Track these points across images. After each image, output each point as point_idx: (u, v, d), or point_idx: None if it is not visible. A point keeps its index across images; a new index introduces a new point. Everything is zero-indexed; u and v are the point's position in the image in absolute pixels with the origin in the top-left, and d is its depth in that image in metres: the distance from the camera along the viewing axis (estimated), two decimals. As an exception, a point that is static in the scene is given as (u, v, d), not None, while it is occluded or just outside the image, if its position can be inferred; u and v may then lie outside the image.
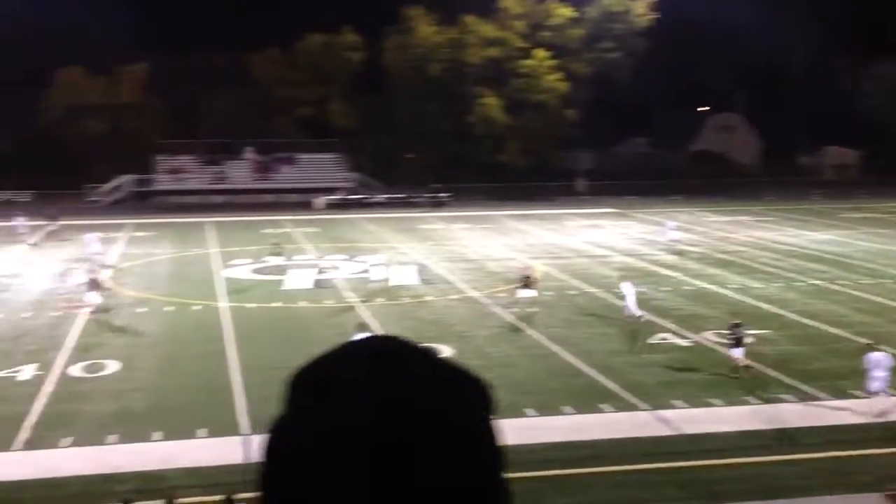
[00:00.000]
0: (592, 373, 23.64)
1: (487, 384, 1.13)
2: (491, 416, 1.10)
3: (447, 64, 79.08)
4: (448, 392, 1.07)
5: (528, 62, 78.56)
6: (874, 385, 20.15)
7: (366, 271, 38.08)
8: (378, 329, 27.97)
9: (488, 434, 1.07)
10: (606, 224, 56.92)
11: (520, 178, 76.44)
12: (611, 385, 22.59)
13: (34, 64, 72.48)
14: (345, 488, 0.98)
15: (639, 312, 28.57)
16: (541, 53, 78.37)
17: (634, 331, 27.24)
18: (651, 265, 40.70)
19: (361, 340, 1.13)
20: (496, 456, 1.07)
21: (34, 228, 50.09)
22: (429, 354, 1.11)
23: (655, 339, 27.06)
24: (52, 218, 48.82)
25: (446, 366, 1.10)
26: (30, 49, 72.98)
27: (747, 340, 23.90)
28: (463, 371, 1.10)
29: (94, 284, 30.87)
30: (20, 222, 49.74)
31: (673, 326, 28.57)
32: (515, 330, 28.14)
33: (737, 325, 23.67)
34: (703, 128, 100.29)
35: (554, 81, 78.08)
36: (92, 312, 30.11)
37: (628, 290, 28.88)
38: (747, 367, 23.17)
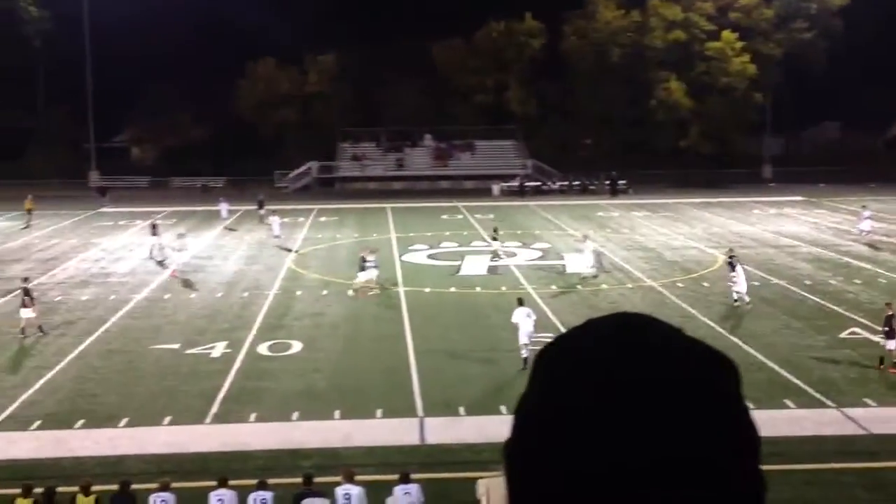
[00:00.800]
0: (775, 367, 22.73)
1: (737, 364, 1.08)
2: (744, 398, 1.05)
3: (629, 48, 77.71)
4: (704, 368, 1.03)
5: (715, 44, 76.14)
6: None
7: (559, 259, 37.99)
8: (552, 316, 27.91)
9: (746, 414, 1.03)
10: (794, 213, 54.52)
11: (702, 165, 74.31)
12: (795, 380, 21.67)
13: (230, 57, 76.30)
14: (602, 467, 0.95)
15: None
16: (728, 35, 75.79)
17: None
18: (843, 256, 38.70)
19: (608, 317, 1.10)
20: (754, 439, 1.02)
21: (232, 213, 53.00)
22: (679, 330, 1.07)
23: (845, 334, 25.75)
24: (261, 204, 51.28)
25: (697, 342, 1.06)
26: (226, 43, 76.85)
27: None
28: (714, 348, 1.06)
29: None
30: (224, 206, 52.61)
31: (865, 321, 27.07)
32: (692, 319, 27.38)
33: (892, 316, 22.39)
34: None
35: (741, 64, 75.34)
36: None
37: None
38: None
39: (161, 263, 38.07)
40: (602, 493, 0.95)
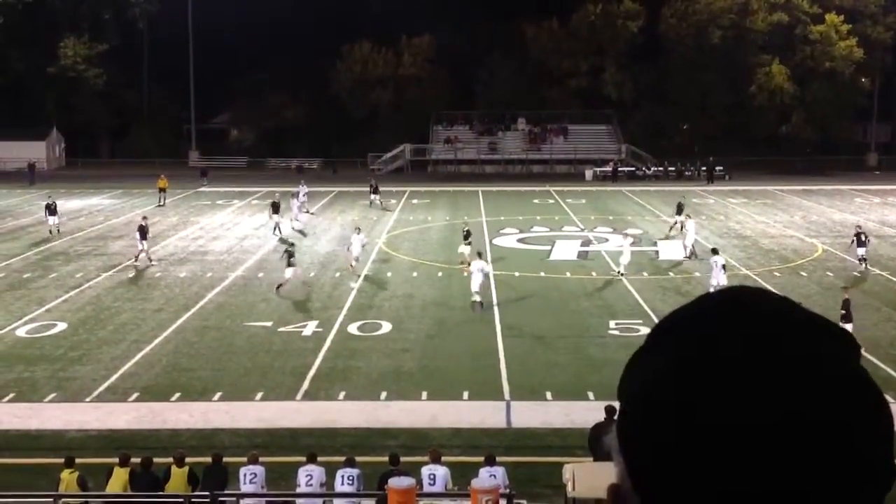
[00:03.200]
0: (876, 360, 22.01)
1: (857, 342, 1.04)
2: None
3: (730, 31, 75.90)
4: (827, 342, 1.00)
5: (819, 28, 73.86)
6: None
7: (653, 245, 37.47)
8: (642, 303, 27.57)
9: (875, 392, 0.99)
10: (900, 202, 52.61)
11: (803, 152, 72.29)
12: (895, 375, 20.97)
13: (326, 39, 77.23)
14: (719, 445, 0.93)
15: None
16: (833, 18, 73.41)
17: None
18: (950, 248, 37.25)
19: (723, 291, 1.08)
20: (885, 419, 0.98)
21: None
22: (796, 303, 1.04)
23: (950, 329, 24.79)
24: (375, 189, 51.40)
25: (815, 315, 1.03)
26: (323, 25, 77.81)
27: None
28: (834, 323, 1.03)
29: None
30: (302, 189, 50.98)
31: (972, 316, 26.03)
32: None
33: (848, 301, 23.14)
34: None
35: (847, 48, 72.91)
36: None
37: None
38: None
39: (283, 241, 38.36)
40: (733, 448, 0.93)
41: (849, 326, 22.39)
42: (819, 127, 75.05)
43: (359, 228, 34.74)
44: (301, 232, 41.89)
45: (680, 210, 40.05)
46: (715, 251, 29.42)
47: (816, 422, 0.93)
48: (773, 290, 1.06)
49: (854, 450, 0.94)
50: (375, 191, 50.85)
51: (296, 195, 46.60)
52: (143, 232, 34.42)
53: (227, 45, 77.35)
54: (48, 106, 77.59)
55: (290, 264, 30.07)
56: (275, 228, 40.88)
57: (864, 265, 32.28)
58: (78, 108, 77.79)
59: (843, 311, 23.13)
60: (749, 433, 0.92)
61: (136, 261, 34.19)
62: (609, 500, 1.06)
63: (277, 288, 29.67)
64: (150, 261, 34.25)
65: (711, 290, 30.19)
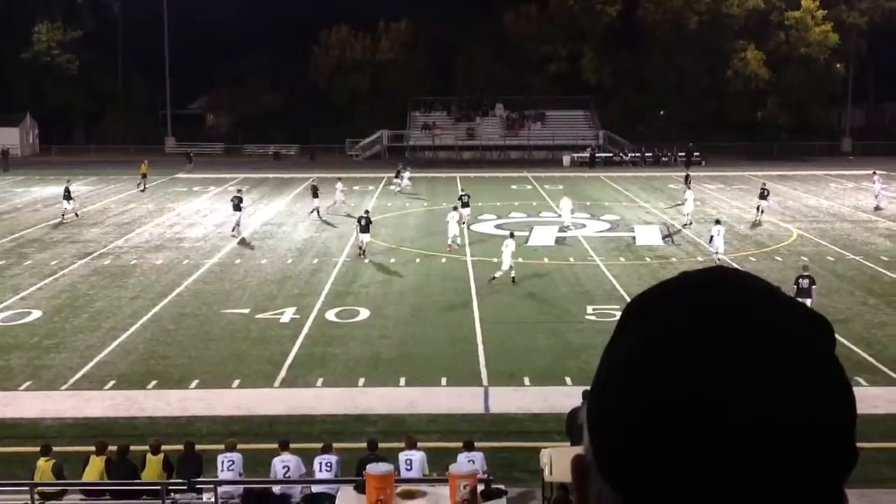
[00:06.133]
0: (849, 344, 22.23)
1: (831, 327, 1.03)
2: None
3: (706, 16, 76.06)
4: (801, 325, 0.98)
5: (795, 13, 74.14)
6: None
7: (629, 231, 37.65)
8: (619, 288, 27.69)
9: (842, 375, 0.98)
10: (874, 187, 52.99)
11: (779, 137, 72.69)
12: (869, 358, 21.20)
13: (304, 24, 76.73)
14: (693, 418, 0.92)
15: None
16: (809, 3, 73.72)
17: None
18: (923, 232, 37.63)
19: (703, 269, 1.06)
20: (849, 403, 0.98)
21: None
22: (773, 286, 1.03)
23: (922, 313, 25.08)
24: (398, 173, 51.84)
25: (791, 298, 1.02)
26: (300, 10, 77.33)
27: None
28: (809, 307, 1.01)
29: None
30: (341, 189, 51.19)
31: (944, 299, 26.33)
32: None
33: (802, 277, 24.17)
34: None
35: (822, 33, 73.27)
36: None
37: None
38: None
39: (327, 223, 40.02)
40: (699, 429, 0.92)
41: (808, 301, 23.04)
42: (794, 112, 75.45)
43: (456, 206, 37.03)
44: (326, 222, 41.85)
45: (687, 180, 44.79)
46: (718, 221, 32.95)
47: (785, 404, 0.92)
48: (752, 273, 1.04)
49: (823, 432, 0.94)
50: (398, 174, 51.53)
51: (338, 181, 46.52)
52: (238, 204, 37.87)
53: (204, 30, 76.72)
54: (21, 92, 76.78)
55: (365, 230, 32.51)
56: (312, 211, 41.96)
57: (759, 215, 40.06)
58: (52, 94, 77.01)
59: (802, 287, 23.90)
60: (716, 414, 0.91)
61: (234, 232, 37.09)
62: (573, 471, 1.05)
63: (362, 253, 32.49)
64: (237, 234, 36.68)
65: (714, 255, 31.39)
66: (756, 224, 40.38)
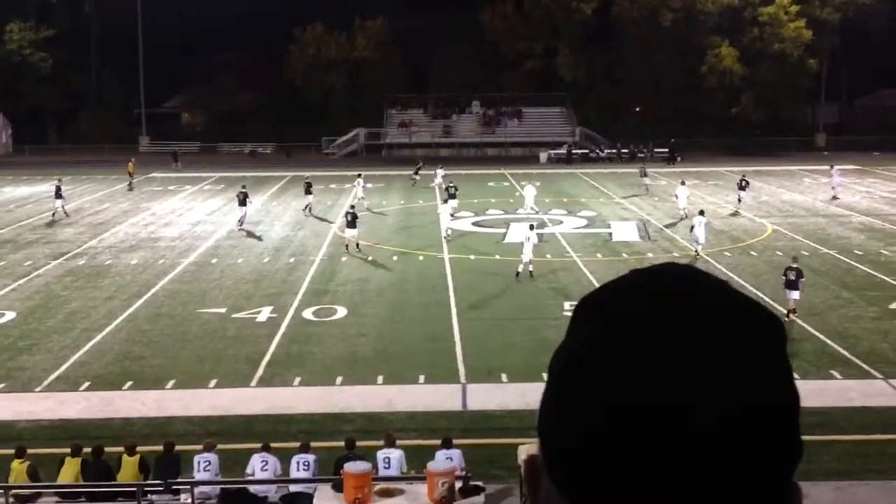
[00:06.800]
0: (823, 337, 22.43)
1: (783, 323, 1.03)
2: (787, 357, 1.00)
3: (680, 13, 76.44)
4: (747, 320, 0.97)
5: (768, 9, 74.62)
6: None
7: (607, 227, 37.73)
8: (596, 284, 27.75)
9: (788, 373, 0.98)
10: (847, 182, 53.47)
11: (753, 133, 73.15)
12: (843, 351, 21.37)
13: (280, 22, 76.46)
14: (638, 420, 0.91)
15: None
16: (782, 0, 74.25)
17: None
18: (895, 226, 37.97)
19: (652, 266, 1.05)
20: (795, 399, 0.97)
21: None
22: (725, 282, 1.02)
23: (895, 305, 25.30)
24: (416, 171, 52.43)
25: (743, 295, 1.01)
26: (276, 8, 77.04)
27: None
28: (760, 303, 1.01)
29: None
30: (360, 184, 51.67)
31: (917, 293, 26.60)
32: (739, 289, 27.00)
33: (790, 269, 24.35)
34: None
35: (796, 30, 73.79)
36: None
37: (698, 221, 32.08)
38: None
39: (322, 219, 40.78)
40: (630, 432, 0.91)
41: (795, 294, 23.97)
42: (768, 108, 75.94)
43: (445, 199, 39.08)
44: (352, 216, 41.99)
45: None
46: (701, 212, 33.23)
47: (733, 402, 0.91)
48: (703, 269, 1.04)
49: (775, 431, 0.94)
50: (416, 172, 52.82)
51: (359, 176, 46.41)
52: (244, 199, 38.85)
53: (179, 29, 76.24)
54: (-6, 91, 76.13)
55: (352, 225, 33.12)
56: (305, 208, 42.52)
57: (739, 205, 42.20)
58: (25, 94, 76.35)
59: (789, 279, 24.23)
60: (661, 415, 0.90)
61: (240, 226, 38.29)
62: (525, 472, 1.04)
63: (357, 246, 33.14)
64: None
65: (695, 246, 32.05)
66: (736, 213, 41.62)
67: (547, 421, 0.99)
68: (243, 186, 41.31)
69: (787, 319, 23.81)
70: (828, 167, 51.93)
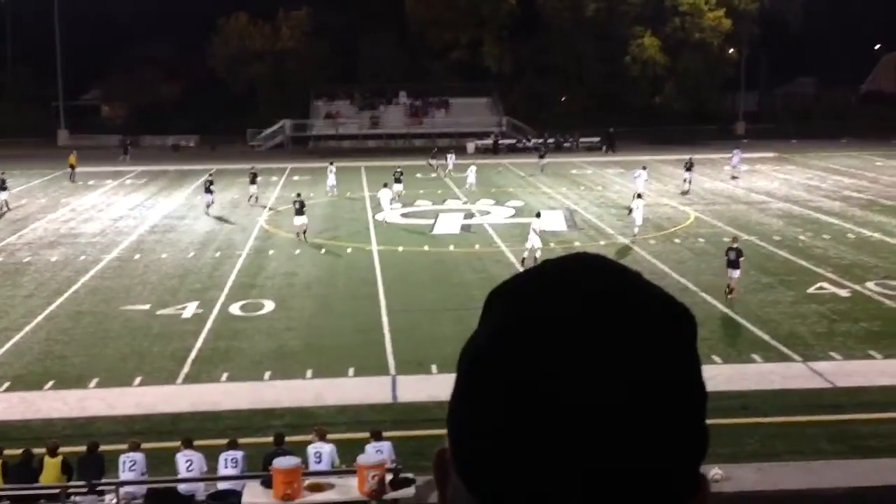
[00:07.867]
0: (744, 322, 22.97)
1: (693, 314, 1.03)
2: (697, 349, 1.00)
3: (603, 4, 77.23)
4: (656, 312, 0.97)
5: (689, -1, 75.87)
6: None
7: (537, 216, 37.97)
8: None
9: (698, 365, 0.98)
10: (766, 169, 54.77)
11: (676, 122, 74.36)
12: (763, 335, 21.91)
13: (202, 12, 75.13)
14: (547, 410, 0.90)
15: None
16: (702, -11, 75.54)
17: None
18: (812, 212, 39.03)
19: (564, 257, 1.04)
20: (702, 389, 0.98)
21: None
22: (637, 273, 1.02)
23: (813, 289, 26.02)
24: (434, 156, 53.95)
25: (655, 287, 1.01)
26: (196, -2, 75.67)
27: None
28: (672, 297, 1.01)
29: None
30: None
31: (832, 276, 27.39)
32: (663, 276, 27.54)
33: (731, 249, 25.50)
34: (875, 67, 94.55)
35: (716, 19, 75.15)
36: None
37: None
38: None
39: (266, 208, 41.69)
40: (533, 428, 0.90)
41: (736, 272, 24.97)
42: (690, 97, 77.25)
43: (387, 183, 40.01)
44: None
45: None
46: (639, 196, 35.83)
47: (650, 396, 0.92)
48: (613, 259, 1.04)
49: (680, 411, 0.94)
50: (433, 157, 54.25)
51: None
52: (209, 186, 40.49)
53: (97, 18, 74.38)
54: None
55: (300, 213, 33.56)
56: (250, 198, 42.72)
57: (687, 185, 45.19)
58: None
59: (730, 258, 25.18)
60: (561, 404, 0.90)
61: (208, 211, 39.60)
62: (434, 468, 1.04)
63: (304, 233, 33.64)
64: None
65: (633, 228, 33.13)
66: (685, 192, 44.24)
67: (449, 412, 0.99)
68: (210, 174, 44.10)
69: (729, 298, 24.52)
70: (770, 155, 55.11)
